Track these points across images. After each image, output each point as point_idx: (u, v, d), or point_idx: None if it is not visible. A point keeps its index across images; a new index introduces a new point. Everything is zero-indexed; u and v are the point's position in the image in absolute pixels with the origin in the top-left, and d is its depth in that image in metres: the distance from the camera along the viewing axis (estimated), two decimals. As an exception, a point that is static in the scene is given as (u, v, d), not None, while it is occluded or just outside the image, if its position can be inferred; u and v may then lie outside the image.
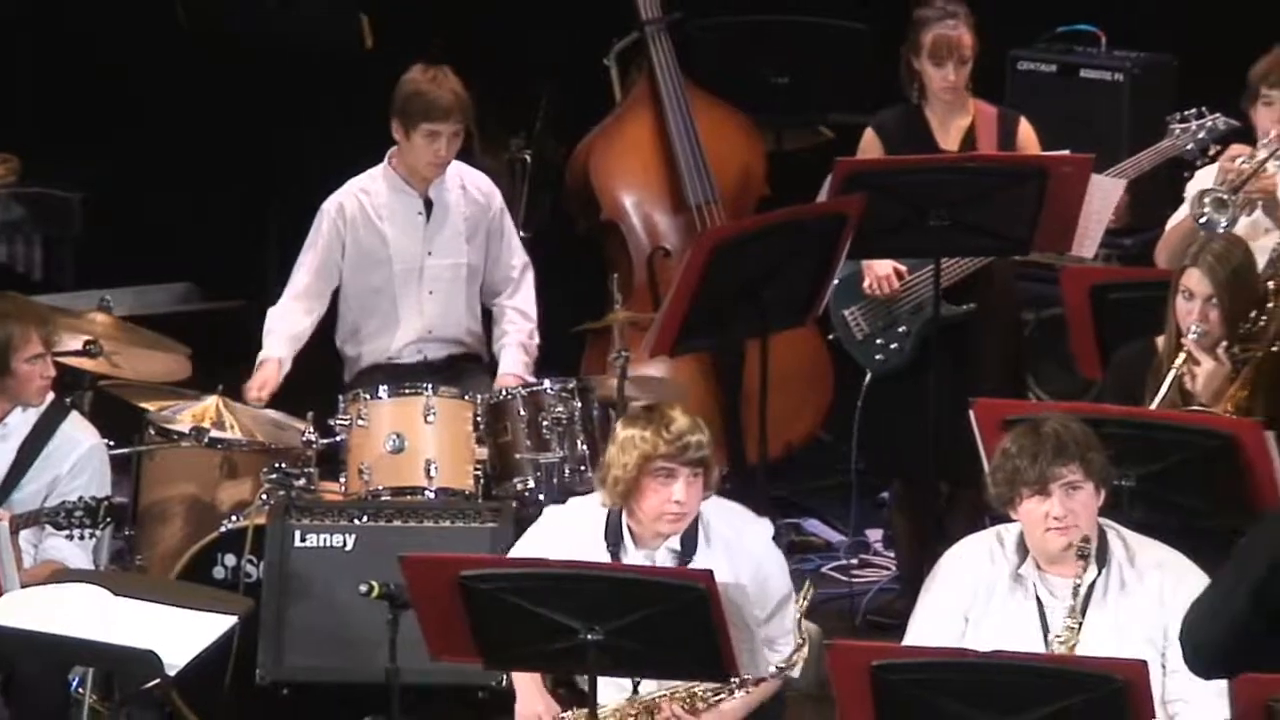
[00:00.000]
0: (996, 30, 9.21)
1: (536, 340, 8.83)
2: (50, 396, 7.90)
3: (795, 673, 6.97)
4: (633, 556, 7.05)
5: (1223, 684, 6.30)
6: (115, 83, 11.09)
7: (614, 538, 6.97)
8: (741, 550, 6.93)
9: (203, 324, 10.09)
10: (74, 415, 7.88)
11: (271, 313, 8.60)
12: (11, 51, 11.20)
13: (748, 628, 6.47)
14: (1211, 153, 8.48)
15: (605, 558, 7.07)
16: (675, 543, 6.94)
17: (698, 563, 6.95)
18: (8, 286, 9.46)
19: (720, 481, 7.10)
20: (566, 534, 7.10)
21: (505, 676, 7.40)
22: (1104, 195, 8.49)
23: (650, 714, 7.01)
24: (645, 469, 6.69)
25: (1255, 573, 5.92)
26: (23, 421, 7.80)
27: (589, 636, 6.37)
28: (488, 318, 8.95)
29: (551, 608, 6.52)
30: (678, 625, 6.45)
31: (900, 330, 9.09)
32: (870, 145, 8.87)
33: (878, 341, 9.09)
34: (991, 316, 8.89)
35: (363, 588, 7.00)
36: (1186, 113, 8.80)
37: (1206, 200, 7.90)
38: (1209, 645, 6.12)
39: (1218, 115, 8.60)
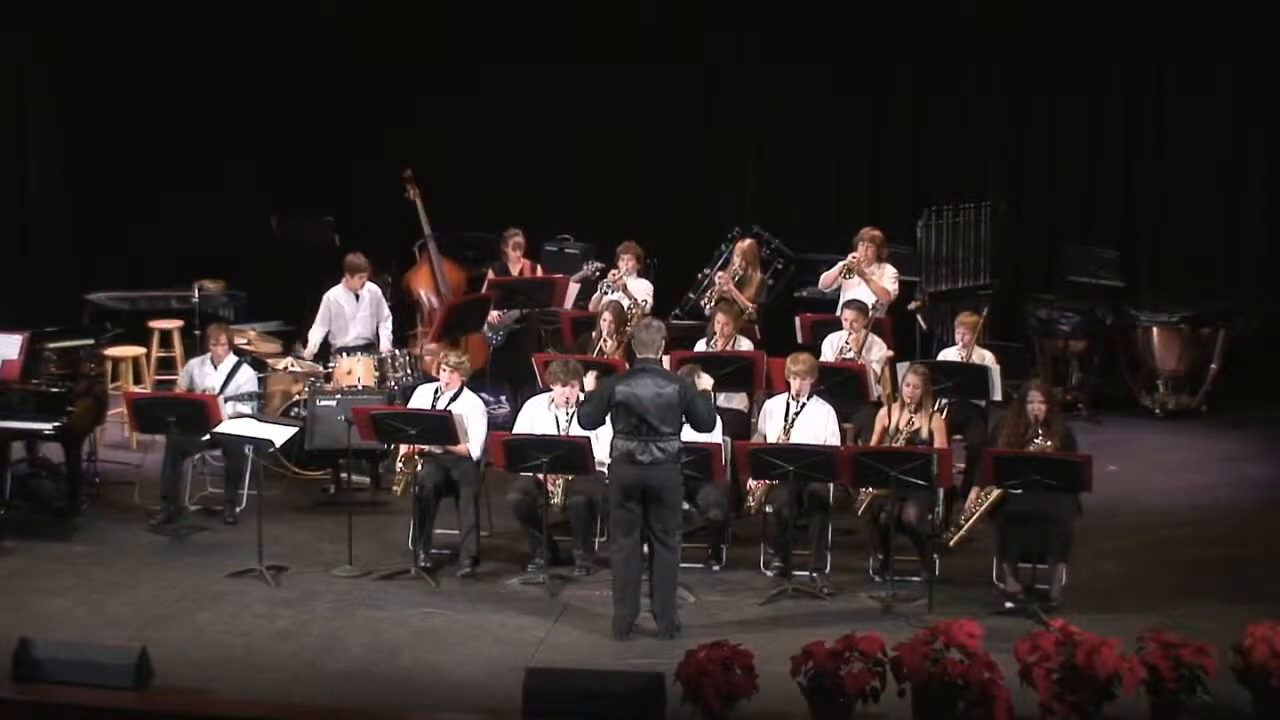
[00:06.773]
0: (533, 238, 16.31)
1: (392, 336, 15.49)
2: (234, 357, 14.54)
3: (476, 452, 12.60)
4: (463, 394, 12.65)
5: (606, 433, 11.53)
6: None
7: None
8: (470, 401, 12.93)
9: (286, 334, 16.58)
10: (245, 364, 14.67)
11: (310, 332, 15.53)
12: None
13: (465, 430, 12.62)
14: (596, 276, 15.37)
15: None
16: (469, 393, 12.83)
17: (459, 402, 12.50)
18: (225, 320, 15.72)
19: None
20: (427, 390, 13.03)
21: (385, 445, 13.35)
22: (560, 290, 15.58)
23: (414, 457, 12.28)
24: (434, 365, 13.21)
25: (604, 393, 11.32)
26: (227, 365, 14.50)
27: (410, 431, 12.47)
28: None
29: (400, 424, 12.59)
30: (438, 429, 12.55)
31: (501, 333, 16.09)
32: (493, 277, 15.83)
33: (493, 336, 16.13)
34: (533, 329, 16.10)
35: (340, 418, 13.64)
36: (590, 262, 16.14)
37: (609, 290, 15.16)
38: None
39: (598, 263, 15.85)
